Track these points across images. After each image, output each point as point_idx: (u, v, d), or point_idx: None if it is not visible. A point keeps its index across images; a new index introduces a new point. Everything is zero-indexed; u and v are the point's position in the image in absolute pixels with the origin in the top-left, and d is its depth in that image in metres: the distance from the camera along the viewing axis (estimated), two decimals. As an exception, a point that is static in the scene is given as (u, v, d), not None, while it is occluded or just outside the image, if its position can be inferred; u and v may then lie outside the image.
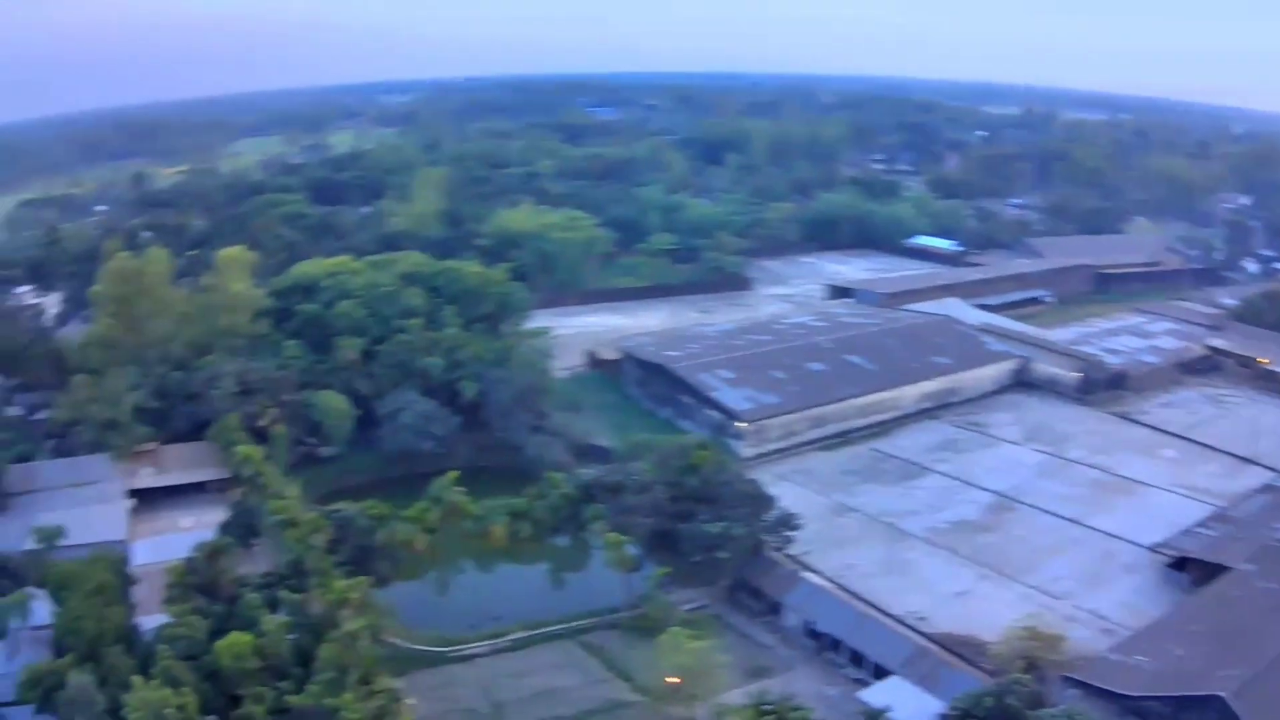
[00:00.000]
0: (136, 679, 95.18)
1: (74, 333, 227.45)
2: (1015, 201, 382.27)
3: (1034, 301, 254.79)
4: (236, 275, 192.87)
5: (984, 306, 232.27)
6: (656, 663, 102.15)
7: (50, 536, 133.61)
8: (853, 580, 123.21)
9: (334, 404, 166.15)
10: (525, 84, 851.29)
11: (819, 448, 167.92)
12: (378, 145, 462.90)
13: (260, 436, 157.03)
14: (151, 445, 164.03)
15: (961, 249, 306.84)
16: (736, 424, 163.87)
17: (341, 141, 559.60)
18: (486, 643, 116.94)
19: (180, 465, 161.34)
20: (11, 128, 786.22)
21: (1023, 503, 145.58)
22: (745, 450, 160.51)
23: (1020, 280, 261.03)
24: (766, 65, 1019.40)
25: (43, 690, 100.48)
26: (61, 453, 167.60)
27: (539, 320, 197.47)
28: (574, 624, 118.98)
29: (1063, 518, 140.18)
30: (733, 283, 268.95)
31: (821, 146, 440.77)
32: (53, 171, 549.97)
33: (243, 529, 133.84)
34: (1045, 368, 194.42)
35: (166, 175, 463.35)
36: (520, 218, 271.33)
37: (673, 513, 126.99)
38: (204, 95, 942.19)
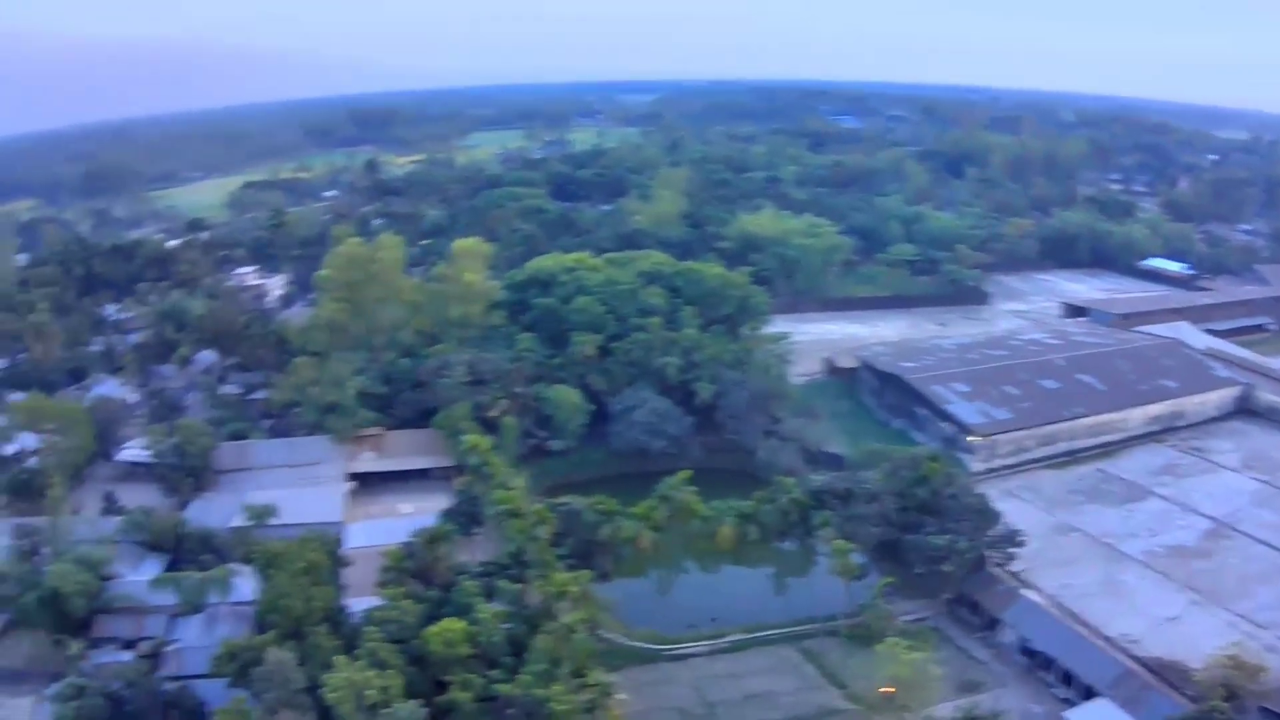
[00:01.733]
0: (340, 659, 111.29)
1: (297, 315, 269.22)
2: (1244, 227, 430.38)
3: (1259, 329, 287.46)
4: (471, 266, 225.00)
5: (1210, 331, 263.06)
6: (872, 672, 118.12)
7: (261, 514, 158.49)
8: (1069, 599, 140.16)
9: (567, 398, 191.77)
10: (768, 89, 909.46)
11: (1046, 465, 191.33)
12: (619, 144, 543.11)
13: (488, 427, 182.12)
14: (374, 430, 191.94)
15: (1192, 273, 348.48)
16: (968, 438, 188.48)
17: (582, 139, 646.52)
18: (704, 643, 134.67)
19: (403, 451, 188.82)
20: (238, 111, 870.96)
21: (1238, 530, 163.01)
22: (975, 464, 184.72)
23: (1247, 306, 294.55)
24: (1007, 80, 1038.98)
25: (239, 665, 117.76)
26: (278, 433, 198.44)
27: (778, 325, 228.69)
28: (793, 629, 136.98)
29: (1275, 547, 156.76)
30: (969, 296, 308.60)
31: (1060, 164, 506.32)
32: (278, 155, 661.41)
33: (464, 517, 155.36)
34: (1268, 396, 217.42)
35: (400, 164, 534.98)
36: (762, 222, 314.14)
37: (900, 523, 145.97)
38: (440, 87, 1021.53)
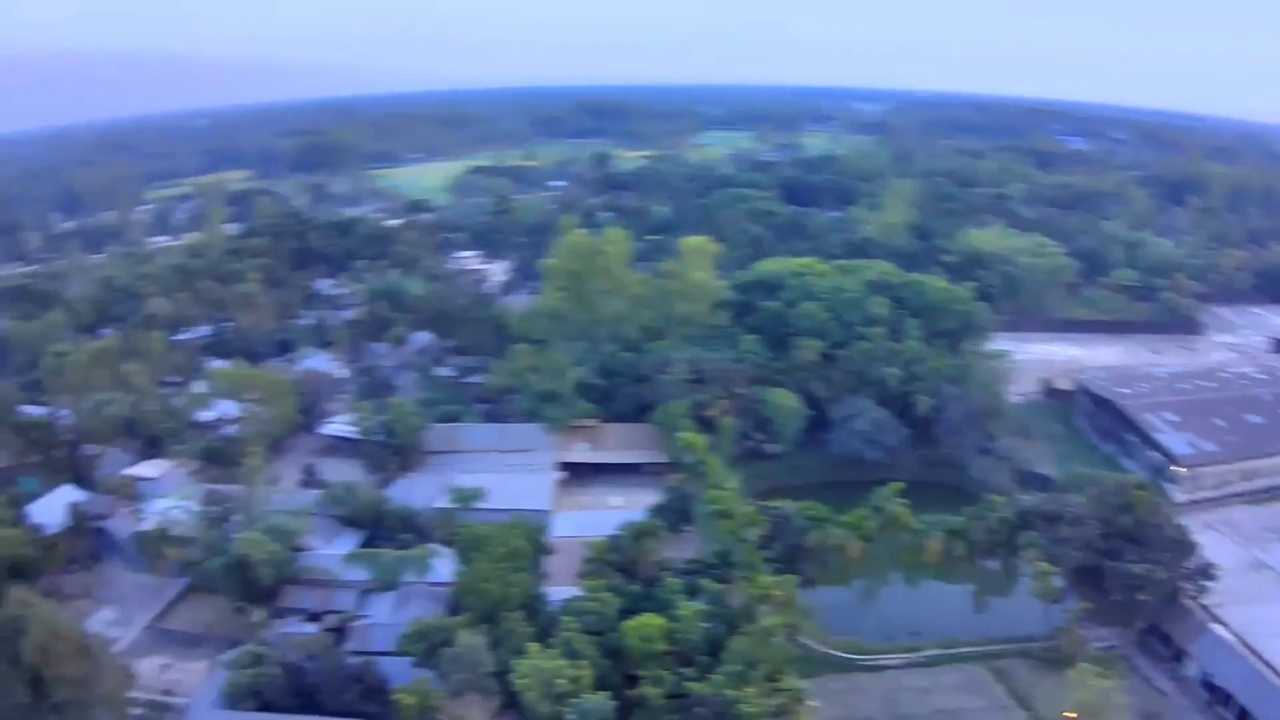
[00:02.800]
0: (533, 646, 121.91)
1: (518, 302, 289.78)
2: None
3: None
4: (698, 264, 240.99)
5: None
6: (1059, 696, 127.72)
7: (467, 498, 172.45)
8: (1256, 637, 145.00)
9: (786, 402, 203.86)
10: (996, 105, 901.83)
11: (1247, 501, 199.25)
12: (850, 151, 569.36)
13: (706, 426, 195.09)
14: (589, 421, 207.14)
15: None
16: (1174, 468, 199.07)
17: (813, 144, 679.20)
18: (899, 655, 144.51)
19: (617, 444, 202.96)
20: (465, 95, 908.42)
21: None
22: (1178, 495, 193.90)
23: None
24: (1229, 110, 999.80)
25: (427, 645, 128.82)
26: (491, 418, 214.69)
27: (998, 343, 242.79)
28: (986, 648, 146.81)
29: None
30: (1184, 325, 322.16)
31: (1277, 197, 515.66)
32: (504, 141, 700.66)
33: (674, 514, 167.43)
34: None
35: (629, 159, 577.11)
36: (988, 238, 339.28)
37: (1101, 549, 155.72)
38: (673, 84, 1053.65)
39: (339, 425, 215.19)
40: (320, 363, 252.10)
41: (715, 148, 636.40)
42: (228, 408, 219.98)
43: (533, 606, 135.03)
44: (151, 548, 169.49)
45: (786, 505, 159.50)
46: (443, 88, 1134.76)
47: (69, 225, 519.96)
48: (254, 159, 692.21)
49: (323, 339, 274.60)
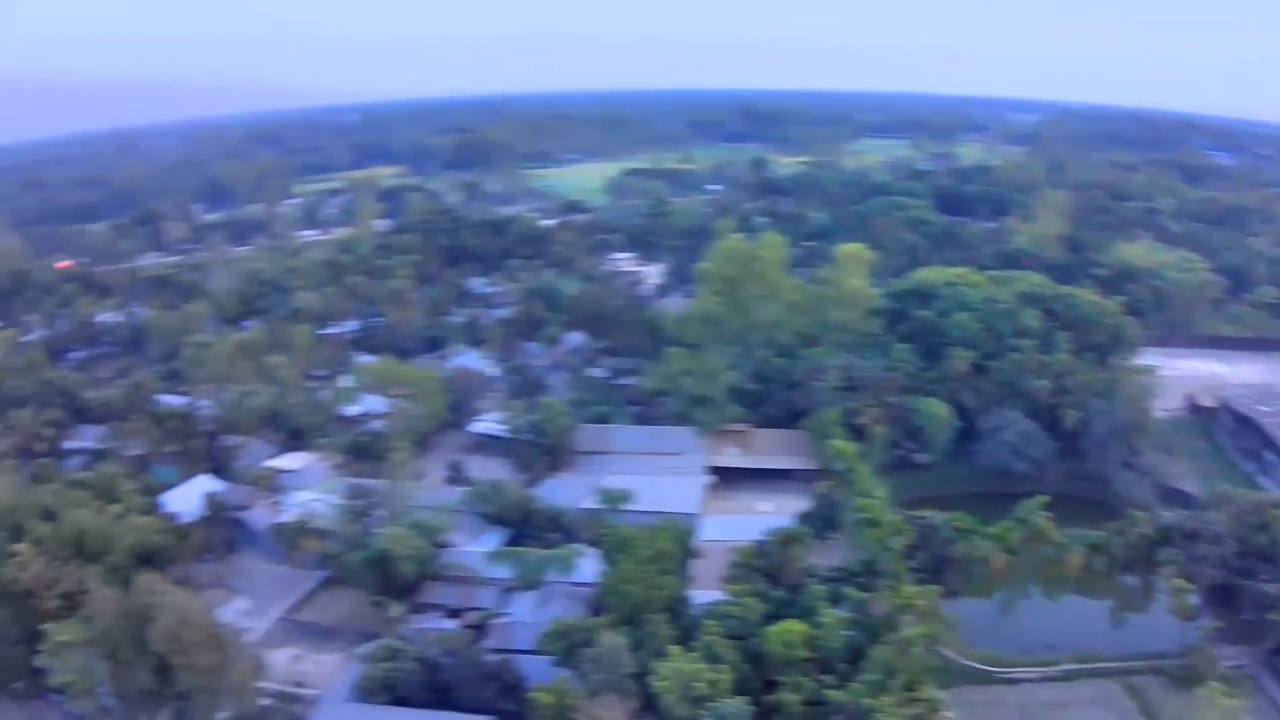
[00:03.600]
0: (674, 649, 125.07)
1: (672, 305, 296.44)
2: None
3: None
4: (854, 272, 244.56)
5: None
6: (1189, 714, 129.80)
7: (616, 499, 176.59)
8: None
9: (937, 412, 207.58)
10: (1147, 118, 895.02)
11: None
12: (1004, 162, 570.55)
13: (856, 434, 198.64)
14: (741, 426, 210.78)
15: None
16: None
17: (968, 153, 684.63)
18: (1036, 669, 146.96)
19: (767, 450, 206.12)
20: (621, 96, 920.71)
21: None
22: None
23: None
24: None
25: (567, 645, 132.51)
26: (643, 420, 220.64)
27: (1145, 358, 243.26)
28: (1121, 664, 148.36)
29: None
30: None
31: None
32: (660, 144, 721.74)
33: (822, 521, 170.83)
34: None
35: (786, 164, 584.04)
36: (1138, 252, 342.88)
37: (1237, 568, 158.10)
38: (831, 89, 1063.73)
39: (488, 423, 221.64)
40: (471, 360, 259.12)
41: (872, 155, 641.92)
42: (374, 403, 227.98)
43: (676, 609, 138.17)
44: (290, 540, 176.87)
45: (933, 515, 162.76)
46: (600, 89, 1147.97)
47: (214, 217, 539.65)
48: (406, 155, 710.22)
49: (474, 337, 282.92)
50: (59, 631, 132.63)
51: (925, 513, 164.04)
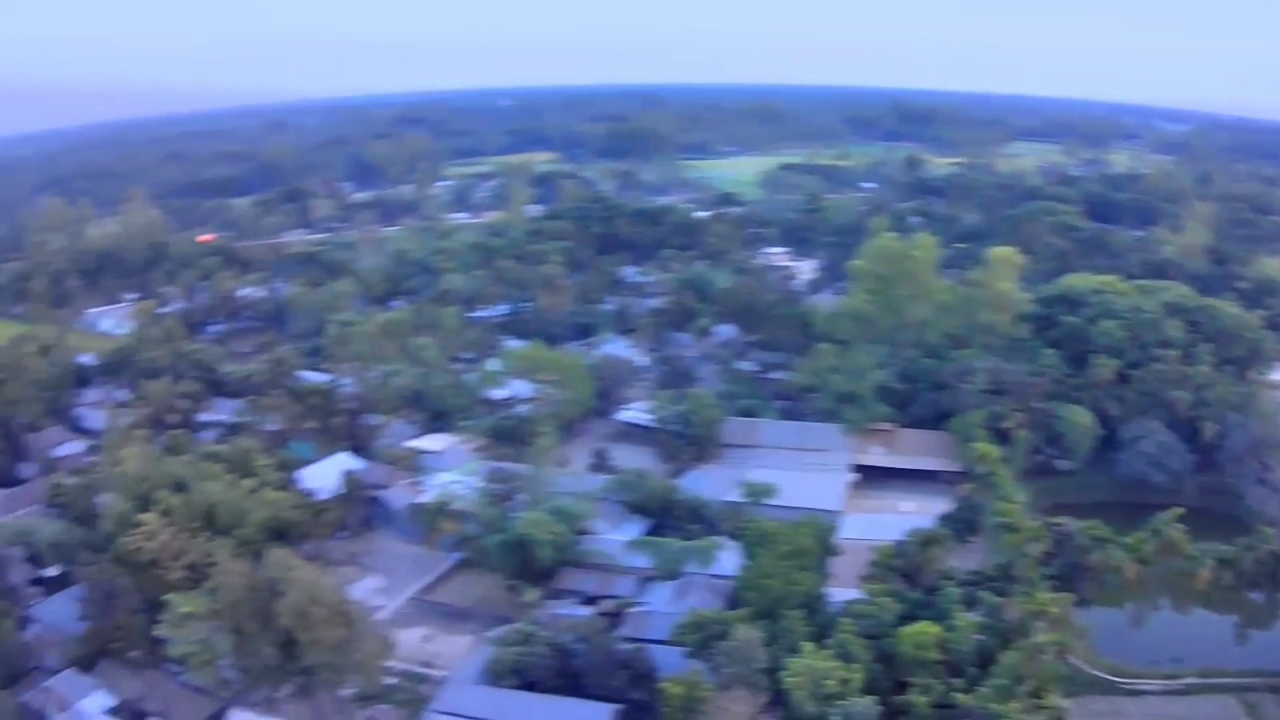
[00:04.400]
0: (808, 645, 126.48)
1: (823, 301, 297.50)
2: None
3: None
4: (1004, 275, 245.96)
5: None
6: None
7: (759, 493, 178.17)
8: None
9: (1080, 419, 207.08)
10: None
11: None
12: (1154, 171, 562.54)
13: (1000, 437, 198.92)
14: (886, 425, 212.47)
15: None
16: None
17: (1118, 161, 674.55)
18: (1159, 681, 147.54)
19: (912, 450, 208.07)
20: (777, 91, 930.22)
21: None
22: None
23: None
24: None
25: (702, 636, 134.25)
26: (790, 415, 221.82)
27: None
28: (1242, 680, 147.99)
29: None
30: None
31: None
32: (815, 139, 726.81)
33: (962, 524, 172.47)
34: None
35: (940, 164, 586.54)
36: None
37: None
38: (986, 91, 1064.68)
39: (635, 412, 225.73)
40: (620, 349, 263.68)
41: (1024, 159, 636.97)
42: (521, 387, 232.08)
43: (813, 606, 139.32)
44: (428, 520, 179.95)
45: (1070, 523, 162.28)
46: (757, 83, 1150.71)
47: (362, 196, 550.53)
48: (560, 142, 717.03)
49: (624, 325, 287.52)
50: (182, 602, 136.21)
51: (1062, 520, 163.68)
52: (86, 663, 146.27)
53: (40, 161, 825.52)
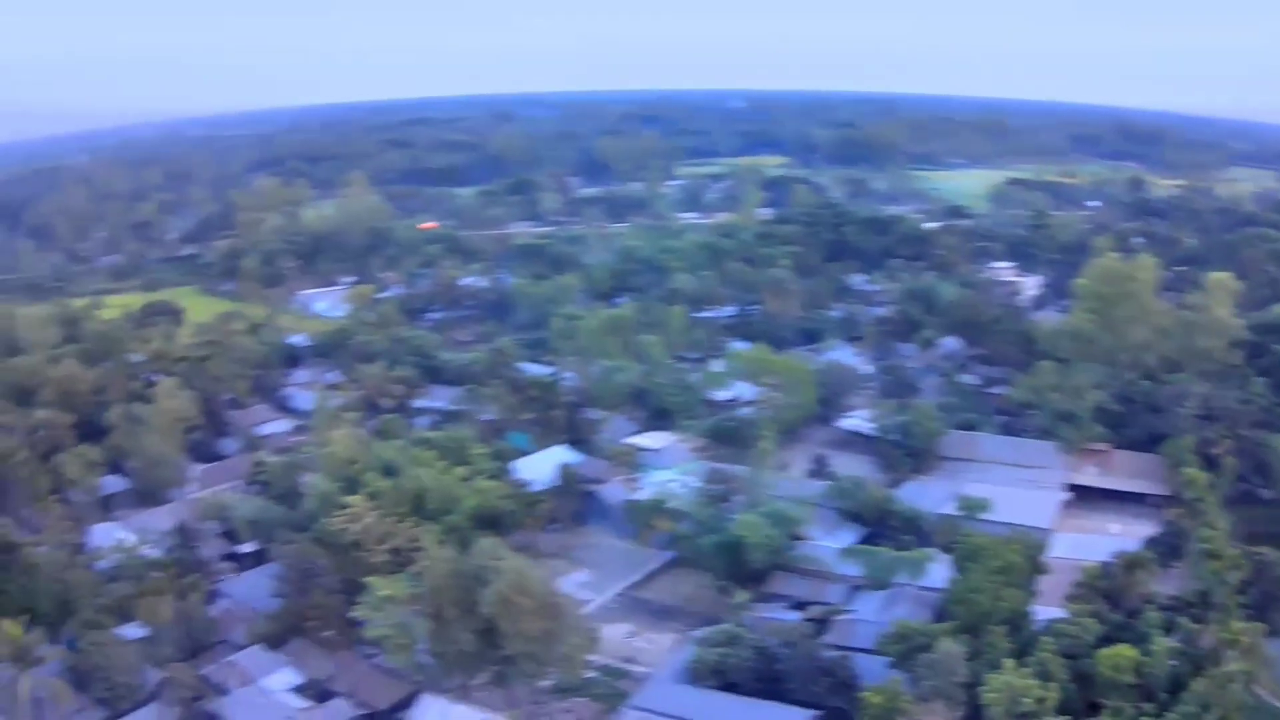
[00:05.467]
0: (1009, 662, 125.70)
1: (1046, 318, 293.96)
2: None
3: None
4: (1221, 301, 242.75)
5: None
6: None
7: (974, 507, 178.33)
8: None
9: None
10: None
11: None
12: None
13: (1208, 463, 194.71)
14: (1101, 446, 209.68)
15: None
16: None
17: None
18: None
19: (1124, 472, 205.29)
20: (1004, 105, 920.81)
21: None
22: None
23: None
24: None
25: (906, 648, 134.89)
26: (1008, 431, 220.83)
27: None
28: None
29: None
30: None
31: None
32: (1042, 155, 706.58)
33: (1166, 549, 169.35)
34: None
35: (1162, 186, 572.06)
36: None
37: None
38: (1209, 114, 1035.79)
39: (856, 420, 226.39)
40: (845, 356, 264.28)
41: (1241, 184, 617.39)
42: (744, 389, 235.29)
43: (1017, 623, 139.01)
44: (643, 518, 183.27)
45: (1269, 552, 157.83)
46: (986, 96, 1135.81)
47: (590, 192, 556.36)
48: (791, 146, 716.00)
49: (850, 333, 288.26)
50: (383, 586, 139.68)
51: (1262, 549, 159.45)
52: (275, 640, 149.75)
53: (257, 141, 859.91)
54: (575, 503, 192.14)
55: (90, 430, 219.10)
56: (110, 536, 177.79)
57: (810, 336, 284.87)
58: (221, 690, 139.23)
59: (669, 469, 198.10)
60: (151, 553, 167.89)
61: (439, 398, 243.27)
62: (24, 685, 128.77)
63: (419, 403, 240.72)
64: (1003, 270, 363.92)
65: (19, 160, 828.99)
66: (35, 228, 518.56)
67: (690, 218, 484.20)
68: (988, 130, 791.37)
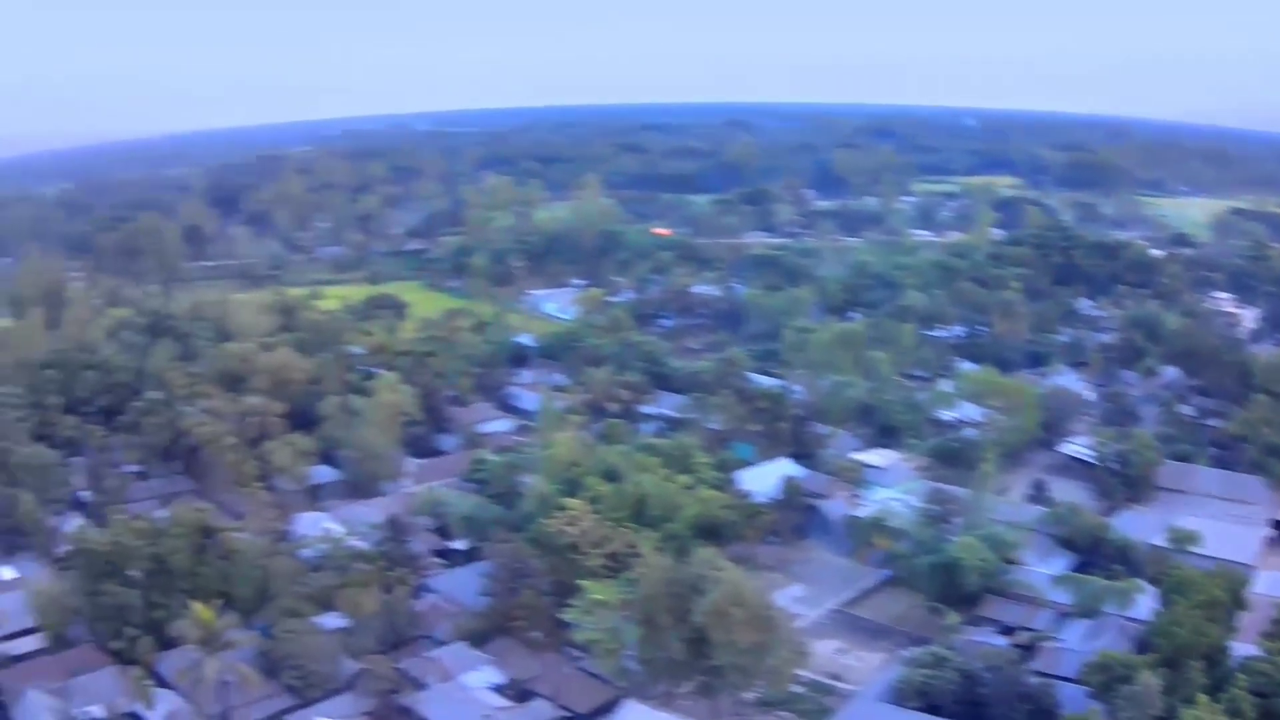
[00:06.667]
0: (1202, 698, 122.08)
1: (1263, 352, 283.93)
2: None
3: None
4: None
5: None
6: None
7: (1183, 540, 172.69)
8: None
9: None
10: None
11: None
12: None
13: None
14: None
15: None
16: None
17: None
18: None
19: None
20: (1234, 134, 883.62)
21: None
22: None
23: None
24: None
25: (1106, 678, 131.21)
26: (1220, 464, 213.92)
27: None
28: None
29: None
30: None
31: None
32: (1267, 186, 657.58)
33: None
34: None
35: None
36: None
37: None
38: None
39: (1076, 447, 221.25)
40: (1069, 381, 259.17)
41: None
42: (969, 411, 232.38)
43: (1215, 658, 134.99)
44: (862, 535, 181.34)
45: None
46: (1216, 123, 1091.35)
47: (825, 204, 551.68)
48: (1022, 166, 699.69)
49: (1075, 358, 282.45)
50: (596, 590, 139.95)
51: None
52: (479, 638, 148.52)
53: (487, 139, 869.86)
54: (796, 516, 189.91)
55: (302, 419, 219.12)
56: (316, 526, 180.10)
57: (1035, 360, 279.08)
58: (419, 684, 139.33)
59: (891, 487, 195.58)
60: (359, 544, 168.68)
61: (666, 405, 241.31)
62: (211, 668, 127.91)
63: (645, 409, 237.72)
64: (1223, 301, 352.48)
65: (241, 146, 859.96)
66: (255, 215, 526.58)
67: (923, 235, 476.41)
68: (1214, 158, 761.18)
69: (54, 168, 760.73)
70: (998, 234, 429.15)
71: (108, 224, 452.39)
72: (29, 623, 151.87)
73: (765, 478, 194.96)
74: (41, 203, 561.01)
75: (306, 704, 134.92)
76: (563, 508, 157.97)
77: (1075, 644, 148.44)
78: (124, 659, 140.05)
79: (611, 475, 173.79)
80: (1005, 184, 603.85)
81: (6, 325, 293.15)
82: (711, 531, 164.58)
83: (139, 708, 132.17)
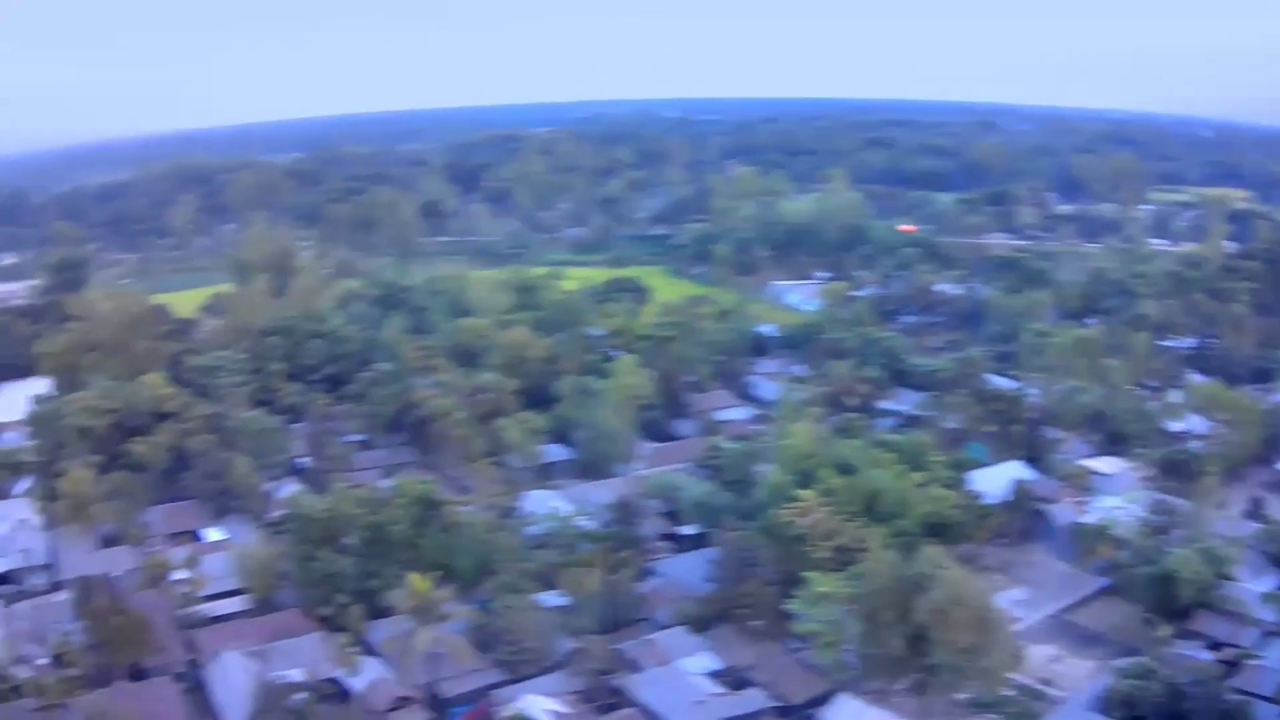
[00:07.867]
0: None
1: None
2: None
3: None
4: None
5: None
6: None
7: None
8: None
9: None
10: None
11: None
12: None
13: None
14: None
15: None
16: None
17: None
18: None
19: None
20: None
21: None
22: None
23: None
24: None
25: None
26: None
27: None
28: None
29: None
30: None
31: None
32: None
33: None
34: None
35: None
36: None
37: None
38: None
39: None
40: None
41: None
42: (1196, 423, 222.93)
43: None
44: (1086, 542, 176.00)
45: None
46: None
47: (1066, 209, 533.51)
48: (1254, 179, 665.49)
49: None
50: (821, 582, 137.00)
51: None
52: (700, 624, 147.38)
53: (733, 129, 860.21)
54: (1023, 520, 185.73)
55: (537, 398, 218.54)
56: (544, 504, 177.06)
57: (1262, 375, 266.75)
58: (635, 667, 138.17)
59: (1117, 495, 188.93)
60: (586, 524, 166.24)
61: (903, 401, 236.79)
62: (423, 638, 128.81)
63: (883, 404, 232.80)
64: None
65: (483, 126, 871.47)
66: (494, 193, 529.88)
67: (1159, 244, 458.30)
68: None
69: (288, 138, 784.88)
70: (1230, 246, 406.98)
71: (340, 195, 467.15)
72: (234, 585, 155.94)
73: (996, 479, 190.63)
74: (271, 170, 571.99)
75: (517, 680, 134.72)
76: (795, 499, 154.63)
77: (1277, 663, 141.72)
78: (332, 625, 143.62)
79: (846, 469, 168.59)
80: (1238, 196, 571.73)
81: (232, 291, 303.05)
82: (940, 530, 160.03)
83: (340, 674, 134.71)
